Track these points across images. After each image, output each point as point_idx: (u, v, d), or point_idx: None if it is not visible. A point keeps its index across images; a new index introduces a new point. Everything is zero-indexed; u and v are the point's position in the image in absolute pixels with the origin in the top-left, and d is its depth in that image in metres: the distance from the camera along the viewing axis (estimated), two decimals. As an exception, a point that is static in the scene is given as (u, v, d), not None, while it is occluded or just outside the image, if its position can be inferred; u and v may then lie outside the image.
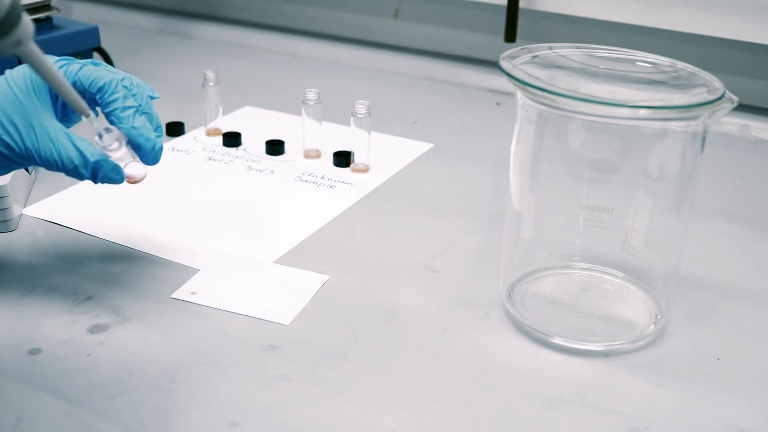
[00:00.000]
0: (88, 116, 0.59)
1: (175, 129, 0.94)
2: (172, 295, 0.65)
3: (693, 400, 0.55)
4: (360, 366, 0.58)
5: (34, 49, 0.53)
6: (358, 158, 0.86)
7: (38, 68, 0.54)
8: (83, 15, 1.36)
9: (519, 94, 0.59)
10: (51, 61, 0.56)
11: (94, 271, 0.68)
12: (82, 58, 0.77)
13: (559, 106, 0.56)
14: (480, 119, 1.03)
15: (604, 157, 0.62)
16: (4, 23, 0.49)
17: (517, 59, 0.59)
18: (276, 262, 0.70)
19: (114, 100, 0.61)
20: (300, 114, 0.89)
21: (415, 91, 1.11)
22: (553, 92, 0.54)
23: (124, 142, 0.60)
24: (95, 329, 0.61)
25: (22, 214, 0.76)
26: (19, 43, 0.50)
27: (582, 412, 0.54)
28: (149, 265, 0.69)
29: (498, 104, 1.07)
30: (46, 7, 0.95)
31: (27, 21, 0.51)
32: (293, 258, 0.71)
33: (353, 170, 0.87)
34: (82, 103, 0.58)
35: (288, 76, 1.16)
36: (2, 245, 0.71)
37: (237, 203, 0.80)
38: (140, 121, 0.62)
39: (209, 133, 0.94)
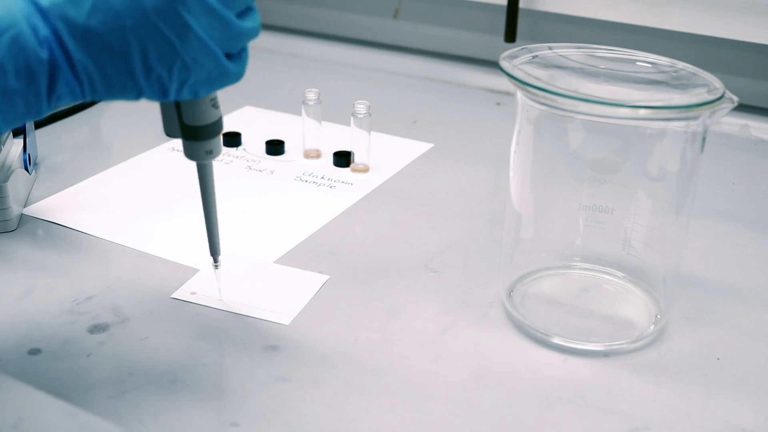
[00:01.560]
0: (216, 262, 0.63)
1: (175, 129, 0.94)
2: (172, 295, 0.65)
3: (693, 400, 0.55)
4: (360, 366, 0.58)
5: (211, 169, 0.59)
6: (358, 158, 0.86)
7: (205, 188, 0.59)
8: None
9: (519, 94, 0.59)
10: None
11: (94, 271, 0.68)
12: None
13: (559, 106, 0.56)
14: (480, 119, 1.03)
15: (604, 157, 0.62)
16: (213, 126, 0.56)
17: (517, 59, 0.59)
18: (276, 262, 0.70)
19: None
20: (300, 114, 0.89)
21: (415, 91, 1.11)
22: (553, 92, 0.54)
23: None
24: (95, 329, 0.61)
25: (22, 214, 0.76)
26: (210, 153, 0.57)
27: (582, 412, 0.54)
28: (149, 265, 0.69)
29: (498, 104, 1.07)
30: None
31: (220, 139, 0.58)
32: (293, 258, 0.71)
33: (353, 170, 0.87)
34: (218, 247, 0.62)
35: (288, 76, 1.16)
36: (2, 245, 0.71)
37: (237, 203, 0.80)
38: None
39: (209, 133, 0.94)
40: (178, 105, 0.55)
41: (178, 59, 0.48)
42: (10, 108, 0.47)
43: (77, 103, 0.50)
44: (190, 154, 0.57)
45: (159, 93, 0.50)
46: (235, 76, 0.52)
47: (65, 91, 0.48)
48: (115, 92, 0.49)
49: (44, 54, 0.46)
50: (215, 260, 0.63)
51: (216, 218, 0.61)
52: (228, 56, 0.51)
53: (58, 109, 0.50)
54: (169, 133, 0.57)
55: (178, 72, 0.49)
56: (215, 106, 0.56)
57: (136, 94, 0.50)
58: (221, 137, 0.58)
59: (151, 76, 0.49)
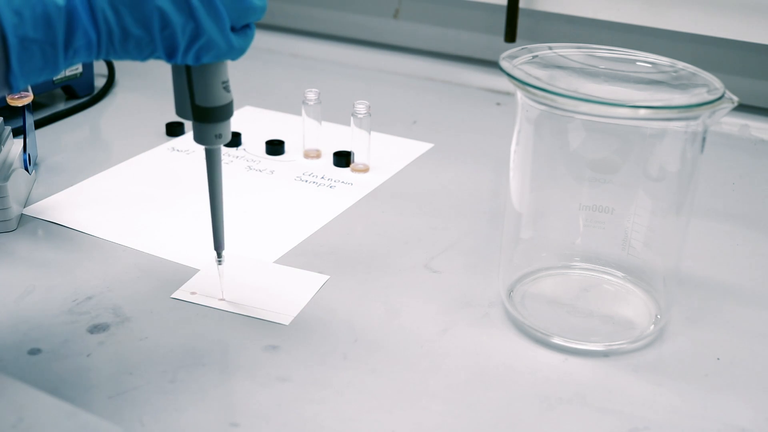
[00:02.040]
0: (219, 257, 0.63)
1: (175, 129, 0.94)
2: (172, 295, 0.65)
3: (693, 400, 0.55)
4: (360, 366, 0.58)
5: (219, 155, 0.59)
6: (358, 158, 0.86)
7: (212, 175, 0.60)
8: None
9: (519, 94, 0.59)
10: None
11: (94, 271, 0.68)
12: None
13: (559, 106, 0.56)
14: (480, 119, 1.03)
15: (604, 157, 0.62)
16: (224, 109, 0.57)
17: (517, 59, 0.59)
18: (276, 262, 0.70)
19: None
20: (300, 114, 0.89)
21: (415, 91, 1.11)
22: (553, 92, 0.54)
23: None
24: (95, 329, 0.61)
25: (22, 214, 0.76)
26: (219, 137, 0.58)
27: (582, 412, 0.54)
28: (149, 265, 0.69)
29: (498, 104, 1.07)
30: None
31: (230, 124, 0.59)
32: (293, 258, 0.71)
33: (353, 170, 0.87)
34: (222, 240, 0.62)
35: (288, 76, 1.16)
36: (2, 245, 0.71)
37: (237, 203, 0.80)
38: None
39: (209, 133, 0.94)
40: (190, 85, 0.56)
41: (191, 17, 0.50)
42: (29, 60, 0.47)
43: (91, 60, 0.51)
44: (199, 138, 0.58)
45: (169, 50, 0.51)
46: (238, 51, 0.54)
47: (82, 43, 0.49)
48: (129, 47, 0.51)
49: (61, 1, 0.47)
50: (219, 255, 0.63)
51: (222, 209, 0.61)
52: (233, 29, 0.53)
53: (73, 65, 0.51)
54: (181, 113, 0.57)
55: (189, 31, 0.51)
56: (226, 89, 0.57)
57: (150, 50, 0.51)
58: (230, 123, 0.58)
59: (166, 30, 0.50)
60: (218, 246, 0.62)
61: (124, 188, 0.82)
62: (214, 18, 0.51)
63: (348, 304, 0.65)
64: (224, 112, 0.57)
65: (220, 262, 0.63)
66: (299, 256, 0.71)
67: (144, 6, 0.49)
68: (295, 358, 0.58)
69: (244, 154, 0.90)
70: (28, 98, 0.78)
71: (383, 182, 0.85)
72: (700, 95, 0.55)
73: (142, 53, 0.51)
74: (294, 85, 1.09)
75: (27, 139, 0.80)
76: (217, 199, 0.61)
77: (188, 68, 0.55)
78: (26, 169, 0.79)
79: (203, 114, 0.57)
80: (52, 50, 0.48)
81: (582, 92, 0.54)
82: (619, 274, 0.65)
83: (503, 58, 0.58)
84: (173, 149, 0.91)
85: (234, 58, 0.54)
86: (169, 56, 0.52)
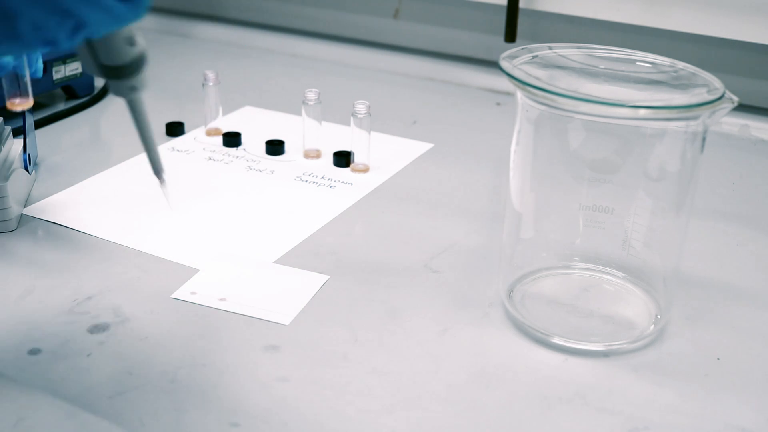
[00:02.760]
0: (162, 181, 0.62)
1: (175, 129, 0.94)
2: (172, 295, 0.65)
3: (693, 400, 0.55)
4: (360, 366, 0.58)
5: (141, 100, 0.57)
6: (358, 158, 0.86)
7: (138, 118, 0.58)
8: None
9: (519, 94, 0.59)
10: (149, 118, 0.59)
11: (94, 271, 0.68)
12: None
13: (559, 106, 0.56)
14: (480, 119, 1.03)
15: (604, 157, 0.62)
16: (132, 65, 0.53)
17: (517, 59, 0.59)
18: (276, 262, 0.70)
19: None
20: (300, 114, 0.89)
21: (415, 91, 1.11)
22: (553, 92, 0.54)
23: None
24: (95, 329, 0.61)
25: (22, 214, 0.76)
26: (133, 89, 0.55)
27: (582, 412, 0.54)
28: (149, 265, 0.69)
29: (498, 104, 1.07)
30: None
31: (146, 72, 0.55)
32: (293, 258, 0.71)
33: (353, 170, 0.87)
34: (160, 164, 0.61)
35: (288, 76, 1.16)
36: (2, 245, 0.71)
37: (237, 203, 0.80)
38: None
39: (209, 133, 0.94)
40: (90, 45, 0.52)
41: (58, 8, 0.44)
42: None
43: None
44: (113, 90, 0.55)
45: (48, 44, 0.46)
46: (133, 16, 0.47)
47: None
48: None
49: None
50: (159, 177, 0.62)
51: (153, 138, 0.59)
52: None
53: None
54: (86, 71, 0.54)
55: (68, 21, 0.45)
56: (132, 44, 0.52)
57: (22, 48, 0.47)
58: (144, 75, 0.55)
59: (39, 32, 0.45)
60: (157, 171, 0.61)
61: (124, 188, 0.82)
62: (94, 4, 0.45)
63: (348, 304, 0.65)
64: (133, 67, 0.53)
65: (162, 183, 0.62)
66: (299, 256, 0.71)
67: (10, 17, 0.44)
68: (295, 358, 0.58)
69: (244, 154, 0.90)
70: (27, 104, 0.77)
71: (383, 182, 0.85)
72: (700, 95, 0.55)
73: (14, 50, 0.47)
74: (294, 85, 1.09)
75: (27, 139, 0.80)
76: (145, 133, 0.59)
77: None
78: (26, 169, 0.79)
79: (110, 72, 0.53)
80: None
81: (582, 92, 0.54)
82: (619, 274, 0.65)
83: (503, 58, 0.58)
84: (173, 149, 0.91)
85: (130, 23, 0.48)
86: (52, 46, 0.46)
